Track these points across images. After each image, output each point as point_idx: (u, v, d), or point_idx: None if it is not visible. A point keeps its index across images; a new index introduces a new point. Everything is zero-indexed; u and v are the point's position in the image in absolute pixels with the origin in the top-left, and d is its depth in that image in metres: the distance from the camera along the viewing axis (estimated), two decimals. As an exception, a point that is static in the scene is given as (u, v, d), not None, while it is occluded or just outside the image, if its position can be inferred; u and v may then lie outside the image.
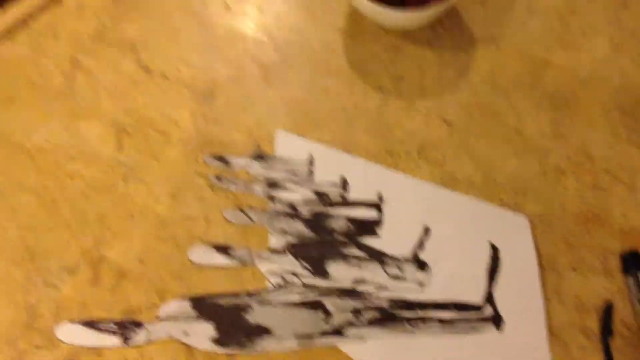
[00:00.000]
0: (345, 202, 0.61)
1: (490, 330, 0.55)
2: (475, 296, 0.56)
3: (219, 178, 0.62)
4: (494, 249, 0.58)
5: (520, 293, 0.56)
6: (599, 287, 0.57)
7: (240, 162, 0.63)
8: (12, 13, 0.72)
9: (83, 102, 0.67)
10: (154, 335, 0.54)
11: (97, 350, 0.54)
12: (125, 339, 0.54)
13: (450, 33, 0.72)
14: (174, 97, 0.67)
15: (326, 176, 0.61)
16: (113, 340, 0.54)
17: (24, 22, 0.72)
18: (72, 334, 0.55)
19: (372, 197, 0.61)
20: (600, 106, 0.66)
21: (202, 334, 0.54)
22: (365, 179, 0.62)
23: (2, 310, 0.56)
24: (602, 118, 0.65)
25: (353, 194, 0.61)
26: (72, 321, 0.55)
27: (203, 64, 0.69)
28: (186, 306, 0.55)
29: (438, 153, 0.64)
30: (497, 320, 0.55)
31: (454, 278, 0.57)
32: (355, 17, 0.73)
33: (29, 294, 0.57)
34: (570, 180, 0.62)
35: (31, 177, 0.62)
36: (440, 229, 0.59)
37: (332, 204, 0.61)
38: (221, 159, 0.63)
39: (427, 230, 0.59)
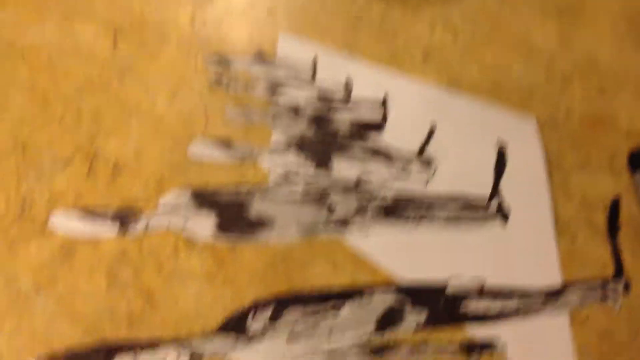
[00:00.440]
0: (349, 103, 0.60)
1: (495, 225, 0.55)
2: (481, 192, 0.56)
3: (219, 78, 0.61)
4: (501, 147, 0.58)
5: (527, 189, 0.56)
6: (605, 184, 0.57)
7: (242, 63, 0.62)
8: None
9: (78, 2, 0.66)
10: (153, 224, 0.54)
11: (93, 242, 0.53)
12: (123, 229, 0.53)
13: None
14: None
15: (330, 77, 0.61)
16: (110, 230, 0.54)
17: None
18: (66, 223, 0.54)
19: (376, 97, 0.61)
20: (607, 16, 0.67)
21: (202, 223, 0.54)
22: (370, 80, 0.62)
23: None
24: (609, 27, 0.66)
25: (357, 95, 0.61)
26: (66, 210, 0.54)
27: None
28: (186, 196, 0.55)
29: (443, 58, 0.64)
30: (503, 214, 0.55)
31: (460, 174, 0.57)
32: None
33: (20, 185, 0.56)
34: (576, 86, 0.62)
35: (22, 73, 0.61)
36: (447, 127, 0.59)
37: (335, 103, 0.60)
38: (221, 59, 0.62)
39: (432, 132, 0.59)
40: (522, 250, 0.54)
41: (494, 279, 0.53)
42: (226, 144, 0.58)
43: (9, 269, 0.52)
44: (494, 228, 0.55)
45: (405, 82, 0.61)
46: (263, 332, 0.50)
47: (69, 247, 0.53)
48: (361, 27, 0.65)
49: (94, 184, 0.56)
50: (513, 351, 0.50)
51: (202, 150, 0.57)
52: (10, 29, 0.64)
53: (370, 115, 0.60)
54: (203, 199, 0.55)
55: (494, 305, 0.52)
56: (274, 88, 0.60)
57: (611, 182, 0.57)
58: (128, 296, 0.52)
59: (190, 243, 0.54)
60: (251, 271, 0.53)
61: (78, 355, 0.48)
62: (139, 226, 0.54)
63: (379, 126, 0.59)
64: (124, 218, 0.54)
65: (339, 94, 0.60)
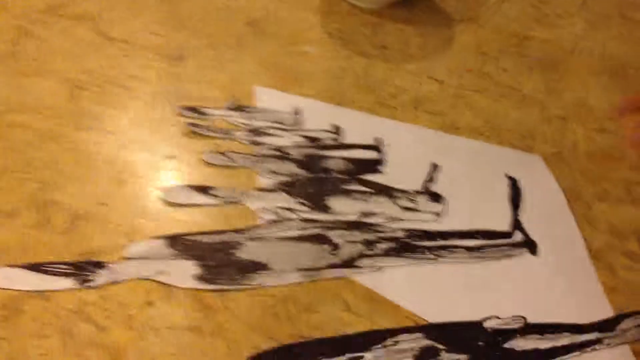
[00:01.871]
0: (340, 146, 0.60)
1: (524, 258, 0.53)
2: (500, 226, 0.54)
3: (193, 125, 0.60)
4: (513, 180, 0.58)
5: (551, 220, 0.55)
6: (630, 215, 0.57)
7: (218, 112, 0.61)
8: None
9: (33, 63, 0.65)
10: (120, 275, 0.48)
11: (44, 295, 0.47)
12: (83, 281, 0.47)
13: (427, 14, 0.78)
14: (138, 60, 0.66)
15: (316, 124, 0.61)
16: (66, 283, 0.47)
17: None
18: (12, 279, 0.47)
19: (370, 141, 0.61)
20: (589, 70, 0.72)
21: (182, 272, 0.49)
22: (360, 125, 0.62)
23: None
24: (594, 79, 0.71)
25: (348, 139, 0.60)
26: (11, 265, 0.48)
27: (169, 33, 0.70)
28: (160, 246, 0.50)
29: (435, 105, 0.66)
30: (531, 245, 0.53)
31: (474, 209, 0.55)
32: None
33: (-48, 240, 0.50)
34: (576, 125, 0.65)
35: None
36: (450, 165, 0.59)
37: (326, 147, 0.59)
38: (195, 110, 0.62)
39: (435, 167, 0.59)
40: (560, 283, 0.51)
41: (535, 315, 0.48)
42: (206, 188, 0.55)
43: None
44: (524, 260, 0.52)
45: (399, 126, 0.61)
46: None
47: (14, 306, 0.46)
48: (345, 79, 0.66)
49: (46, 236, 0.50)
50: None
51: (178, 195, 0.54)
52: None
53: (366, 155, 0.58)
54: (181, 246, 0.50)
55: (543, 344, 0.47)
56: (256, 133, 0.59)
57: (635, 211, 0.57)
58: (88, 357, 0.43)
59: (167, 291, 0.48)
60: (246, 319, 0.47)
61: None
62: (102, 278, 0.47)
63: (376, 165, 0.57)
64: (84, 269, 0.48)
65: (329, 139, 0.59)
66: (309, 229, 0.52)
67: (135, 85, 0.63)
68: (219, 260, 0.50)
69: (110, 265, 0.49)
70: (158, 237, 0.51)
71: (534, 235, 0.54)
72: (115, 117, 0.60)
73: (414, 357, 0.46)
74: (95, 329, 0.45)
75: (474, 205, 0.56)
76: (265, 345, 0.46)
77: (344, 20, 0.75)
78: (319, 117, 0.62)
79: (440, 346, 0.46)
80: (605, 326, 0.48)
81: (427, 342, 0.46)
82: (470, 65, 0.70)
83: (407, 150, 0.59)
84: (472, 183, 0.57)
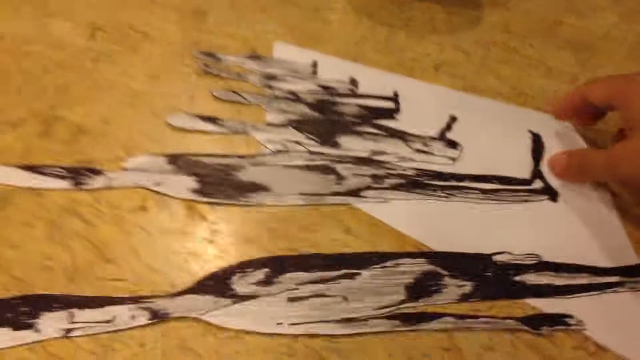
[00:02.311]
0: (355, 95, 0.60)
1: (543, 204, 0.51)
2: (519, 174, 0.53)
3: (207, 66, 0.61)
4: (536, 135, 0.57)
5: None
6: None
7: (233, 59, 0.62)
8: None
9: (58, 6, 0.67)
10: (116, 182, 0.48)
11: (37, 191, 0.47)
12: (77, 184, 0.47)
13: (456, -3, 0.79)
14: (161, 13, 0.68)
15: (333, 76, 0.61)
16: (60, 184, 0.47)
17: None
18: (6, 176, 0.48)
19: (386, 93, 0.60)
20: (624, 54, 0.71)
21: (180, 185, 0.48)
22: (377, 80, 0.62)
23: None
24: (629, 62, 0.70)
25: (364, 91, 0.60)
26: (6, 164, 0.48)
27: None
28: (161, 161, 0.50)
29: (457, 69, 0.65)
30: (552, 192, 0.52)
31: (492, 157, 0.54)
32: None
33: (-46, 140, 0.50)
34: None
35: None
36: (470, 119, 0.58)
37: (340, 94, 0.59)
38: (211, 55, 0.63)
39: (454, 119, 0.58)
40: (581, 230, 0.49)
41: (552, 258, 0.46)
42: (213, 118, 0.55)
43: None
44: (543, 206, 0.50)
45: (417, 83, 0.61)
46: (253, 295, 0.41)
47: (5, 198, 0.46)
48: (365, 44, 0.67)
49: (49, 143, 0.51)
50: (593, 327, 0.42)
51: (184, 121, 0.54)
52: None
53: (381, 104, 0.58)
54: (181, 163, 0.50)
55: (559, 280, 0.45)
56: (270, 78, 0.59)
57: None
58: (74, 249, 0.43)
59: (162, 200, 0.47)
60: (241, 231, 0.46)
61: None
62: (97, 183, 0.47)
63: (391, 113, 0.57)
64: (80, 174, 0.48)
65: (344, 89, 0.59)
66: (316, 160, 0.52)
67: (155, 34, 0.65)
68: (218, 179, 0.49)
69: (107, 172, 0.48)
70: (159, 154, 0.51)
71: (555, 185, 0.52)
72: (131, 56, 0.61)
73: (414, 280, 0.43)
74: (84, 224, 0.45)
75: (493, 154, 0.54)
76: (258, 256, 0.44)
77: (371, -3, 0.77)
78: (336, 71, 0.62)
79: (444, 272, 0.44)
80: (629, 271, 0.46)
81: (430, 267, 0.44)
82: (498, 39, 0.70)
83: (425, 104, 0.59)
84: (492, 136, 0.56)
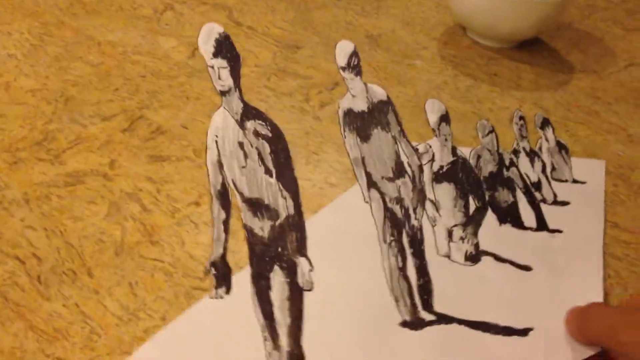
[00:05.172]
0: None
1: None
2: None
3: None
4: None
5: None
6: None
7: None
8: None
9: (167, 28, 0.74)
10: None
11: (107, 175, 0.51)
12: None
13: (547, 59, 0.79)
14: (258, 41, 0.73)
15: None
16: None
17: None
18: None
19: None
20: None
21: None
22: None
23: (16, 128, 0.55)
24: None
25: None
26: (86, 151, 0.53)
27: (293, 29, 0.77)
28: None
29: (531, 125, 0.65)
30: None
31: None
32: (453, 31, 0.81)
33: (50, 124, 0.56)
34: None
35: (92, 55, 0.67)
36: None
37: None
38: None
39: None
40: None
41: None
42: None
43: (6, 181, 0.49)
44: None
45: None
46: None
47: (76, 177, 0.50)
48: (445, 90, 0.68)
49: (129, 138, 0.55)
50: None
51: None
52: (95, 29, 0.71)
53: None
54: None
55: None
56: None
57: None
58: (127, 228, 0.46)
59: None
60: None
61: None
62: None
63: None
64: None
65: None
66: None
67: (250, 57, 0.69)
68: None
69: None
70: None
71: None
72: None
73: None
74: (142, 209, 0.48)
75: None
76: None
77: (460, 49, 0.78)
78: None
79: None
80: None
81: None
82: (581, 101, 0.69)
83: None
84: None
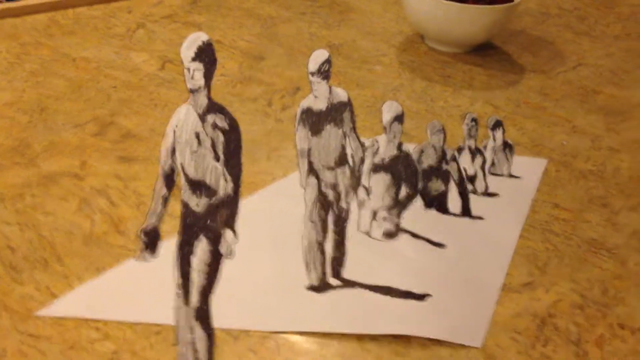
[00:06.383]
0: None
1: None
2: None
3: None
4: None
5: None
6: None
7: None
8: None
9: (139, 44, 0.78)
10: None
11: (79, 175, 0.54)
12: (113, 173, 0.54)
13: (499, 62, 0.83)
14: (225, 54, 0.78)
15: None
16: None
17: None
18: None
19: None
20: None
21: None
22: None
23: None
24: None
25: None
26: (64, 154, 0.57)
27: (258, 41, 0.81)
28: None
29: (482, 120, 0.69)
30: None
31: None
32: (411, 39, 0.86)
33: (25, 131, 0.60)
34: (625, 155, 0.65)
35: (67, 70, 0.70)
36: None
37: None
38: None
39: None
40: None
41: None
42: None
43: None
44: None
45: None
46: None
47: (49, 178, 0.54)
48: (402, 91, 0.72)
49: (100, 141, 0.59)
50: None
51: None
52: (70, 47, 0.75)
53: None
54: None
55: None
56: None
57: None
58: (95, 221, 0.50)
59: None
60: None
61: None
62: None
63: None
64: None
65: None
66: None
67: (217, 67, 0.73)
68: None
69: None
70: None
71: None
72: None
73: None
74: (110, 204, 0.51)
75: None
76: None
77: (418, 55, 0.82)
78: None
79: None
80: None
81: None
82: (531, 99, 0.73)
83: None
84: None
